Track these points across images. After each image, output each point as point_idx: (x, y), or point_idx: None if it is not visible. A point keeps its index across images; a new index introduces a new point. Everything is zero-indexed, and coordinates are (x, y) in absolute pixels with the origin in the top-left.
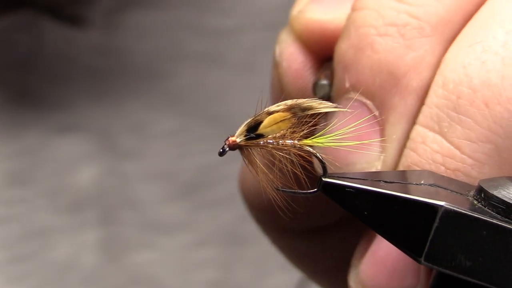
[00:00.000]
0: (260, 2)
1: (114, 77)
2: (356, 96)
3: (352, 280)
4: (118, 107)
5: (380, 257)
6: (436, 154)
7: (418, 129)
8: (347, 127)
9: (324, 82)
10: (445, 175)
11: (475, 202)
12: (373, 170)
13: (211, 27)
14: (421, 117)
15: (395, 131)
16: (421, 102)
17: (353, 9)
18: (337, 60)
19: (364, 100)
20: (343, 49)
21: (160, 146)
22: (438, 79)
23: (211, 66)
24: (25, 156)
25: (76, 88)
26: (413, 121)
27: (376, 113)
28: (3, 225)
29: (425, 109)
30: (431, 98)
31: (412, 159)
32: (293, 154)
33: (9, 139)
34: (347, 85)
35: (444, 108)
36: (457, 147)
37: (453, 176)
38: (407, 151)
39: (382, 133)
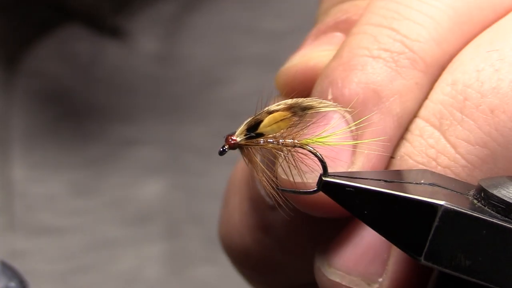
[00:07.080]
0: (314, 4)
1: (176, 86)
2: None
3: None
4: (183, 124)
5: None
6: (431, 149)
7: (417, 122)
8: (347, 127)
9: None
10: (435, 171)
11: (475, 201)
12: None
13: (266, 29)
14: (423, 111)
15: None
16: (401, 129)
17: (350, 34)
18: (324, 75)
19: (343, 113)
20: (332, 66)
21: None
22: (447, 77)
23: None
24: (90, 167)
25: (140, 100)
26: (389, 142)
27: (352, 125)
28: (67, 236)
29: (428, 104)
30: (436, 95)
31: (406, 150)
32: (294, 153)
33: (74, 150)
34: (329, 97)
35: (448, 106)
36: (453, 146)
37: (442, 173)
38: (403, 142)
39: (354, 146)
